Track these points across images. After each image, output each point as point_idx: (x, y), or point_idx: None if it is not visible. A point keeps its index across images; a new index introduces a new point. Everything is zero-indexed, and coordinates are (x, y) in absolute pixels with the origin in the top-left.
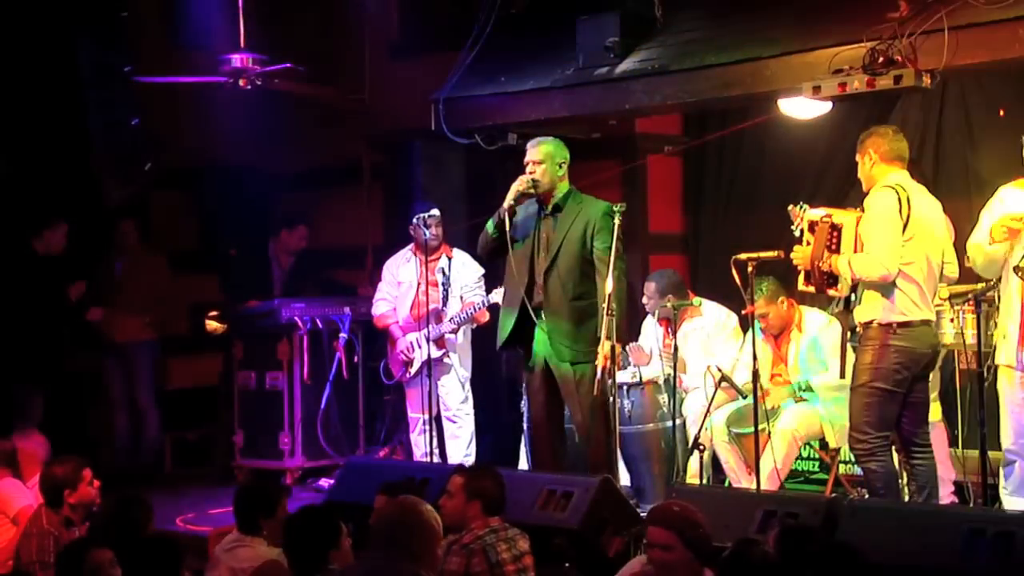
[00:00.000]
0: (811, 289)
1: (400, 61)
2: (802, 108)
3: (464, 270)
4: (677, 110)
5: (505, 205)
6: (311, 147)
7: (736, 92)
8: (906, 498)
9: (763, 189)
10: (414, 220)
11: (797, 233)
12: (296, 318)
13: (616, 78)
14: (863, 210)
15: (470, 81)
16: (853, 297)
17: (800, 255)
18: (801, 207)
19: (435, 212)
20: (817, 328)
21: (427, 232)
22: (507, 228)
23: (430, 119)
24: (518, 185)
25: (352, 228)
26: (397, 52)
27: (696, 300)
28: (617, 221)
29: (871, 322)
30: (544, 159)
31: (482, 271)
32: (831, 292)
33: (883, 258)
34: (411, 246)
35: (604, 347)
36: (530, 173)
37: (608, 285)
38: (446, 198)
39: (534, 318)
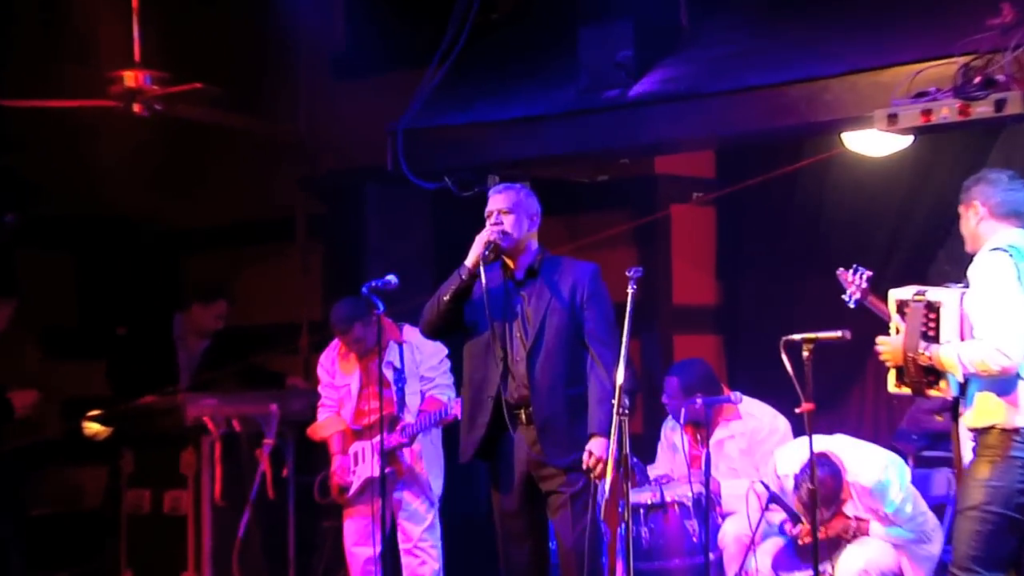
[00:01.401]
0: (906, 391)
1: (346, 82)
2: (873, 143)
3: (423, 354)
4: (710, 145)
5: (470, 260)
6: (229, 194)
7: (786, 122)
8: None
9: (822, 249)
10: (364, 290)
11: (851, 305)
12: (206, 418)
13: (630, 103)
14: (967, 283)
15: (438, 107)
16: (961, 399)
17: (889, 348)
18: (858, 273)
19: (391, 280)
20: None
21: (380, 307)
22: (479, 288)
23: (385, 157)
24: (485, 235)
25: (283, 300)
26: (342, 70)
27: (734, 397)
28: (629, 291)
29: (991, 428)
30: (514, 208)
31: (446, 351)
32: (932, 392)
33: (1003, 343)
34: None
35: (594, 444)
36: (496, 224)
37: (617, 373)
38: (407, 260)
39: (509, 425)
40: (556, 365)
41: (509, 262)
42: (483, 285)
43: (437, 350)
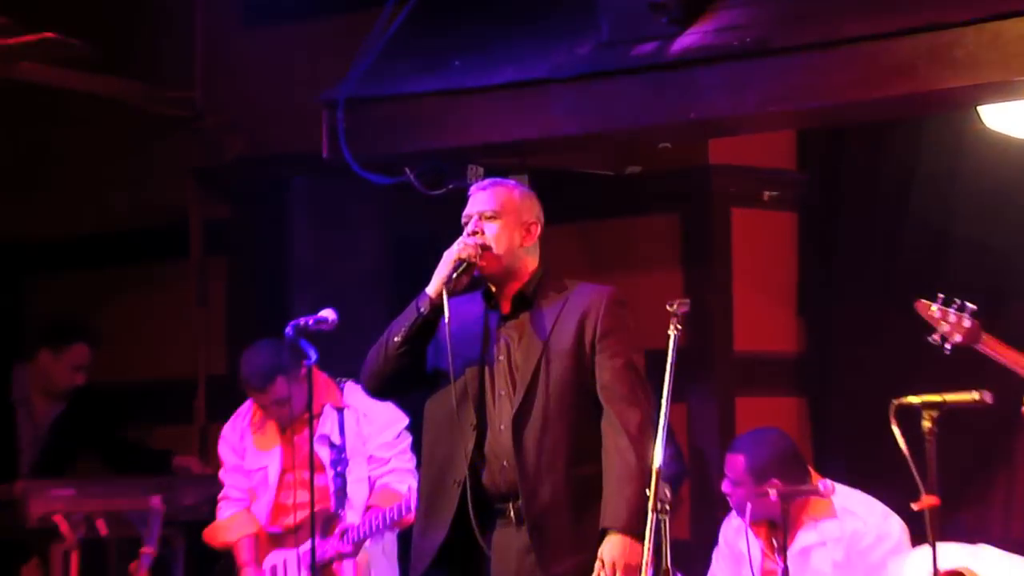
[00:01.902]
0: None
1: (262, 30)
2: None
3: (372, 424)
4: (788, 123)
5: (432, 287)
6: (93, 192)
7: (898, 90)
8: None
9: (950, 272)
10: (289, 332)
11: (947, 350)
12: (58, 517)
13: (671, 63)
14: None
15: (395, 67)
16: None
17: None
18: (952, 307)
19: (327, 316)
20: None
21: (311, 355)
22: (443, 326)
23: (318, 139)
24: (457, 252)
25: (170, 344)
26: (256, 13)
27: (824, 486)
28: (671, 332)
29: None
30: (502, 211)
31: (404, 421)
32: None
33: None
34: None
35: (610, 546)
36: (474, 233)
37: (651, 449)
38: (350, 288)
39: (482, 528)
40: (556, 434)
41: (494, 288)
42: (447, 321)
43: (392, 418)
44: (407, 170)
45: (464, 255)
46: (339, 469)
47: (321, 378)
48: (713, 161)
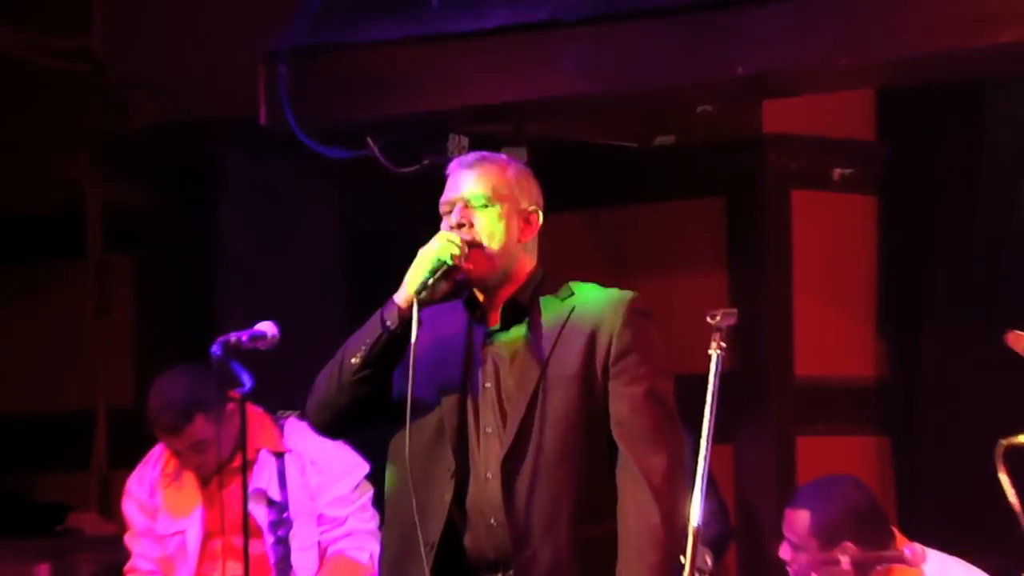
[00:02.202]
0: None
1: None
2: None
3: (323, 473)
4: (866, 80)
5: (402, 294)
6: None
7: (1010, 37)
8: None
9: None
10: (216, 352)
11: None
12: None
13: (712, 2)
14: None
15: (354, 8)
16: None
17: None
18: None
19: (266, 331)
20: None
21: (245, 382)
22: (410, 347)
23: (254, 102)
24: (436, 250)
25: (62, 368)
26: None
27: (912, 551)
28: (713, 352)
29: None
30: (495, 197)
31: (363, 470)
32: None
33: None
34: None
35: None
36: (457, 225)
37: (684, 503)
38: (297, 292)
39: None
40: (558, 483)
41: (480, 295)
42: (413, 339)
43: (348, 465)
44: (370, 141)
45: (445, 255)
46: (280, 533)
47: (255, 414)
48: (768, 130)
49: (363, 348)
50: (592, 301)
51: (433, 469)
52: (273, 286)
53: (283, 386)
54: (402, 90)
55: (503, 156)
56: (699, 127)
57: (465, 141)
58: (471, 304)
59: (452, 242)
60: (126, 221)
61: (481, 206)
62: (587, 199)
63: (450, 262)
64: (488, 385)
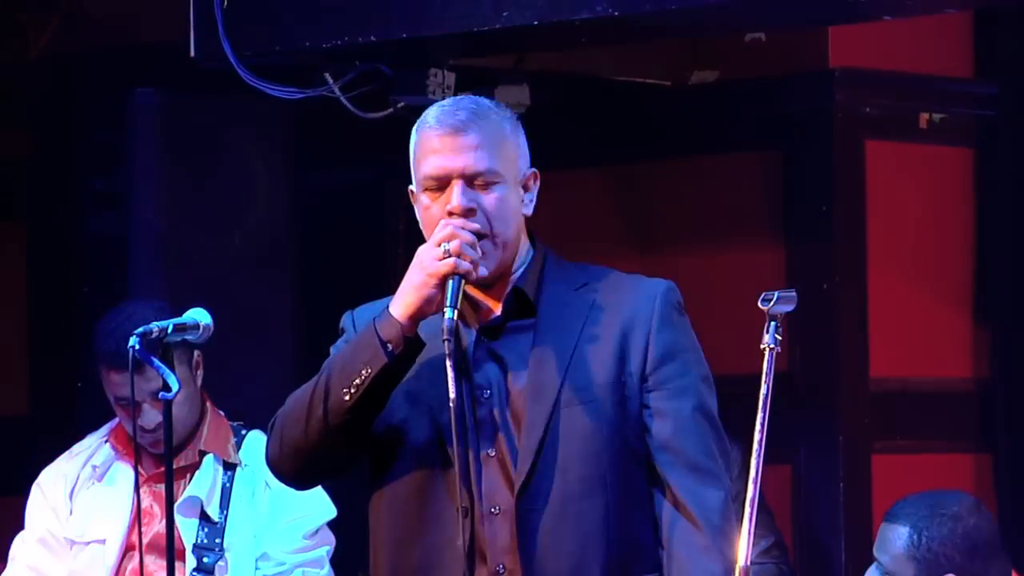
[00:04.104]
0: None
1: None
2: None
3: (277, 503)
4: (961, 1)
5: (402, 310)
6: None
7: None
8: None
9: None
10: (135, 345)
11: None
12: None
13: None
14: None
15: None
16: None
17: None
18: None
19: (196, 319)
20: None
21: (173, 384)
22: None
23: (183, 26)
24: (453, 264)
25: None
26: None
27: None
28: (767, 347)
29: None
30: (496, 170)
31: (327, 514)
32: None
33: None
34: (108, 431)
35: None
36: (470, 208)
37: (729, 542)
38: (233, 270)
39: None
40: (587, 523)
41: (476, 292)
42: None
43: (311, 503)
44: (329, 78)
45: (463, 269)
46: (206, 560)
47: (209, 411)
48: (835, 63)
49: (360, 378)
50: (617, 292)
51: (434, 508)
52: (204, 262)
53: (218, 391)
54: (369, 11)
55: (484, 100)
56: (748, 60)
57: (451, 78)
58: (465, 302)
59: (464, 249)
60: (15, 178)
61: (488, 183)
62: (606, 152)
63: (474, 274)
64: (487, 397)
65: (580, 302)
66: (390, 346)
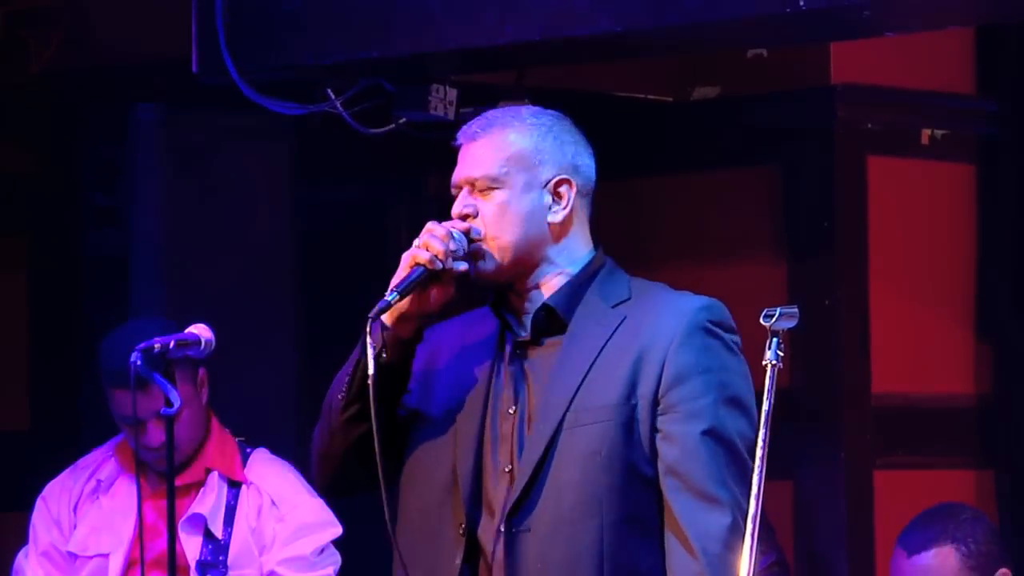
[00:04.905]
0: None
1: None
2: None
3: (282, 521)
4: (964, 17)
5: (389, 311)
6: None
7: None
8: None
9: None
10: (135, 361)
11: None
12: None
13: None
14: None
15: None
16: None
17: None
18: None
19: (198, 335)
20: None
21: (175, 399)
22: (435, 358)
23: (185, 43)
24: (412, 254)
25: None
26: None
27: None
28: (768, 363)
29: None
30: (495, 177)
31: (334, 531)
32: None
33: None
34: (114, 445)
35: None
36: (464, 213)
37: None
38: (235, 286)
39: None
40: (578, 547)
41: (515, 299)
42: (371, 369)
43: (318, 522)
44: (331, 94)
45: (423, 258)
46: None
47: (214, 427)
48: (837, 79)
49: (349, 376)
50: (652, 310)
51: (434, 527)
52: (205, 277)
53: (220, 406)
54: (371, 27)
55: (520, 110)
56: (750, 76)
57: (453, 94)
58: (501, 306)
59: (433, 241)
60: (15, 194)
61: (487, 188)
62: (607, 168)
63: (438, 265)
64: (512, 411)
65: (611, 319)
66: (369, 340)
